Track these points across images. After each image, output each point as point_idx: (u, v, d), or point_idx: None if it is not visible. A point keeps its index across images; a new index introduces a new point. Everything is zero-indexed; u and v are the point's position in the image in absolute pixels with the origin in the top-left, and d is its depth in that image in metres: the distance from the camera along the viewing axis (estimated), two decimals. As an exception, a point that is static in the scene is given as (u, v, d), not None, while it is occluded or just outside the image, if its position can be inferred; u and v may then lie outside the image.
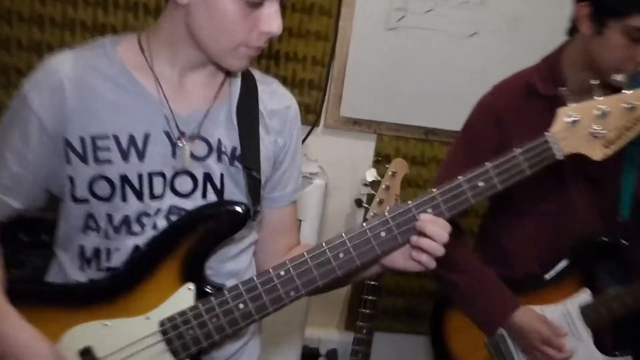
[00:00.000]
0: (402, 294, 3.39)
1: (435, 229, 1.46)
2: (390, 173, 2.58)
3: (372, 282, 2.63)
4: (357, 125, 3.19)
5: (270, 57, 3.08)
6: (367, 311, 2.67)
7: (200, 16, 1.39)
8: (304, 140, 3.09)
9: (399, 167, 2.60)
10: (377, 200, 2.55)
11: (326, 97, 3.15)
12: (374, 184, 2.65)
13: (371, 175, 2.72)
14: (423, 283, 3.34)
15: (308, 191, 2.78)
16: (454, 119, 2.35)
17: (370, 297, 2.66)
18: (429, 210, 1.49)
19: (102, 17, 2.97)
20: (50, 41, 2.97)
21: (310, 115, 3.14)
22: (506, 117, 2.04)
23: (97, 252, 1.49)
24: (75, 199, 1.46)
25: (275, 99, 1.64)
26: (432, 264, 1.49)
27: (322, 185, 2.84)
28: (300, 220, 2.71)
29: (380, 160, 3.12)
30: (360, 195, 2.92)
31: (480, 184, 1.50)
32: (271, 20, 1.41)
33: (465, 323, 2.18)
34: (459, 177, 1.50)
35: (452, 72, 3.14)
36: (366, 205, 2.66)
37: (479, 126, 2.09)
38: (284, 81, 3.01)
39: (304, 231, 2.74)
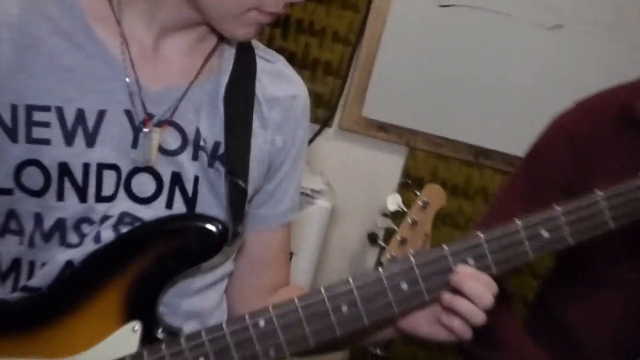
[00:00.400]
0: (417, 371, 3.41)
1: (477, 288, 1.48)
2: (420, 203, 2.59)
3: (378, 351, 2.65)
4: (383, 131, 3.23)
5: (277, 24, 3.11)
6: (368, 389, 2.69)
7: None
8: (309, 143, 3.11)
9: (433, 196, 2.61)
10: (399, 238, 2.57)
11: (346, 88, 3.19)
12: (397, 216, 2.67)
13: (394, 202, 2.73)
14: (447, 359, 3.35)
15: (307, 214, 2.81)
16: (515, 139, 2.38)
17: (373, 371, 2.68)
18: (471, 261, 1.50)
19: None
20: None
21: (322, 110, 3.18)
22: (588, 146, 2.05)
23: (15, 264, 1.50)
24: None
25: (279, 82, 1.68)
26: (466, 334, 1.51)
27: (327, 208, 2.86)
28: (291, 253, 2.74)
29: (409, 184, 3.14)
30: (377, 228, 2.94)
31: (545, 234, 1.52)
32: None
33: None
34: (517, 221, 1.52)
35: (520, 75, 3.18)
36: (382, 244, 2.68)
37: (549, 154, 2.11)
38: (291, 59, 3.02)
39: (296, 268, 2.76)
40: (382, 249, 2.60)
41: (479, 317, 1.49)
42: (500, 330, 2.12)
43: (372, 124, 3.21)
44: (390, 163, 3.27)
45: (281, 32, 3.14)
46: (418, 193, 2.59)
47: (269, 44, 3.01)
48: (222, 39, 1.61)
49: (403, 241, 2.53)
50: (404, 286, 1.49)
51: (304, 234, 2.80)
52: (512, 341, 2.16)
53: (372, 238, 2.91)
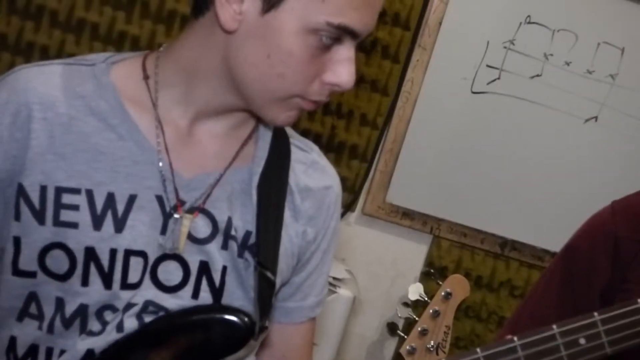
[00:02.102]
0: None
1: None
2: (443, 294, 2.57)
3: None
4: (407, 218, 3.21)
5: (304, 104, 3.12)
6: None
7: (250, 51, 1.42)
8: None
9: (457, 286, 2.59)
10: (419, 329, 2.54)
11: (371, 173, 3.19)
12: (418, 305, 2.66)
13: (416, 292, 2.71)
14: None
15: (328, 303, 2.77)
16: (543, 232, 2.37)
17: None
18: (504, 366, 1.50)
19: (122, 24, 3.06)
20: (47, 44, 3.04)
21: (345, 194, 3.16)
22: (630, 250, 2.03)
23: (32, 350, 1.47)
24: (18, 271, 1.45)
25: (313, 173, 1.68)
26: None
27: (349, 298, 2.83)
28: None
29: (432, 273, 3.13)
30: (397, 317, 2.93)
31: (582, 341, 1.51)
32: (342, 69, 1.44)
33: None
34: (553, 327, 1.51)
35: (551, 167, 3.18)
36: (402, 334, 2.66)
37: (589, 257, 2.08)
38: (317, 141, 3.04)
39: (314, 358, 2.74)
40: (402, 340, 2.57)
41: None
42: None
43: (396, 210, 3.20)
44: (413, 251, 3.26)
45: (308, 113, 3.12)
46: (441, 283, 2.57)
47: (295, 125, 3.02)
48: (258, 124, 1.61)
49: (423, 332, 2.51)
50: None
51: (324, 323, 2.77)
52: None
53: (392, 328, 2.89)
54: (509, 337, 1.51)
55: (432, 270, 3.18)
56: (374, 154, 3.18)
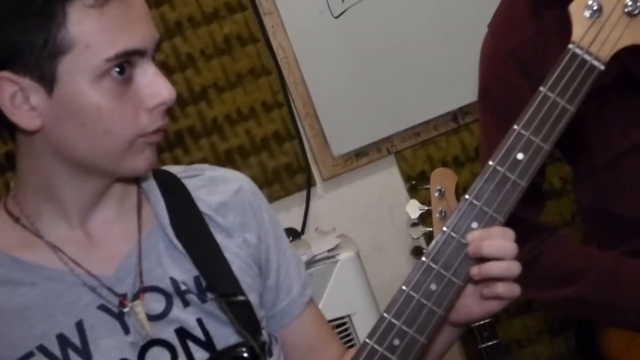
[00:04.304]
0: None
1: (494, 244, 1.48)
2: (436, 193, 2.59)
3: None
4: (362, 157, 3.23)
5: (209, 131, 3.12)
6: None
7: (67, 132, 1.43)
8: (306, 211, 3.18)
9: (443, 179, 2.61)
10: (437, 233, 2.57)
11: (305, 143, 3.21)
12: (425, 218, 2.67)
13: (414, 209, 2.72)
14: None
15: (338, 273, 2.79)
16: (471, 85, 2.37)
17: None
18: (474, 224, 1.51)
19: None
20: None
21: (298, 176, 3.19)
22: (525, 51, 2.04)
23: None
24: None
25: (216, 188, 1.68)
26: (515, 291, 1.51)
27: (353, 257, 2.83)
28: (349, 316, 2.75)
29: (415, 185, 3.15)
30: (414, 241, 2.93)
31: (519, 156, 1.52)
32: (154, 87, 1.44)
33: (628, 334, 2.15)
34: (489, 163, 1.52)
35: (440, 32, 3.23)
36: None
37: (500, 84, 2.09)
38: (242, 151, 3.08)
39: (360, 326, 2.75)
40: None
41: (515, 269, 1.50)
42: (555, 264, 2.11)
43: (349, 157, 3.22)
44: (387, 178, 3.28)
45: (218, 135, 3.13)
46: (428, 186, 2.59)
47: (215, 148, 3.06)
48: (138, 183, 1.62)
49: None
50: (434, 286, 1.50)
51: (349, 294, 2.78)
52: (577, 263, 2.13)
53: (417, 252, 2.89)
54: (463, 197, 1.54)
55: (413, 182, 3.18)
56: (295, 126, 3.19)
